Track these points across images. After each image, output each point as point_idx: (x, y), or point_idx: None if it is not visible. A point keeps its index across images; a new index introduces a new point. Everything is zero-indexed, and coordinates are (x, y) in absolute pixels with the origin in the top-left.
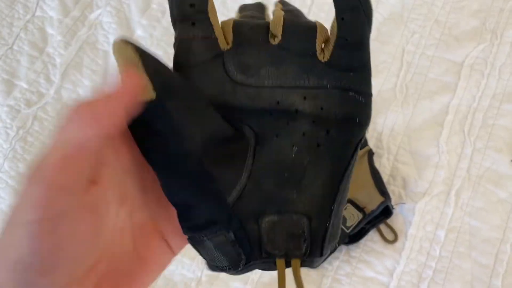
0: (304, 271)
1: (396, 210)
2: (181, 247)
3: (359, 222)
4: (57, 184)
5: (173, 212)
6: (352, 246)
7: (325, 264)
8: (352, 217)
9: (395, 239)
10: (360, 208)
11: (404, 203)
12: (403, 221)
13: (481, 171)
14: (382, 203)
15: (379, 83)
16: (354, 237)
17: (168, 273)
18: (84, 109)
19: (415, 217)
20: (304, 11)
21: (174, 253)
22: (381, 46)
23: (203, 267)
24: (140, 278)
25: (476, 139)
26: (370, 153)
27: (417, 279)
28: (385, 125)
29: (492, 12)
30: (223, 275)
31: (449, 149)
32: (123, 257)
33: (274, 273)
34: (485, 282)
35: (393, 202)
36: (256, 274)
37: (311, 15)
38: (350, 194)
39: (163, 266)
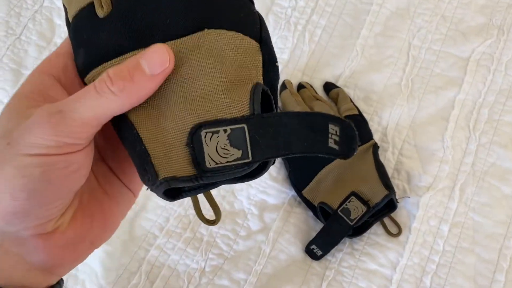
0: (307, 263)
1: (400, 204)
2: (138, 190)
3: (363, 215)
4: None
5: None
6: (355, 239)
7: (328, 256)
8: (356, 210)
9: (399, 232)
10: (364, 201)
11: (408, 197)
12: (407, 215)
13: (485, 167)
14: (386, 196)
15: (385, 77)
16: (358, 230)
17: (171, 263)
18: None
19: (419, 211)
20: (311, 5)
21: (134, 195)
22: (387, 41)
23: (206, 257)
24: (111, 213)
25: (481, 134)
26: (375, 147)
27: (420, 273)
28: (391, 119)
29: (499, 8)
30: (226, 265)
31: (454, 144)
32: (92, 193)
33: (278, 265)
34: (488, 277)
35: (397, 196)
36: (260, 265)
37: (318, 9)
38: (354, 187)
39: (128, 204)
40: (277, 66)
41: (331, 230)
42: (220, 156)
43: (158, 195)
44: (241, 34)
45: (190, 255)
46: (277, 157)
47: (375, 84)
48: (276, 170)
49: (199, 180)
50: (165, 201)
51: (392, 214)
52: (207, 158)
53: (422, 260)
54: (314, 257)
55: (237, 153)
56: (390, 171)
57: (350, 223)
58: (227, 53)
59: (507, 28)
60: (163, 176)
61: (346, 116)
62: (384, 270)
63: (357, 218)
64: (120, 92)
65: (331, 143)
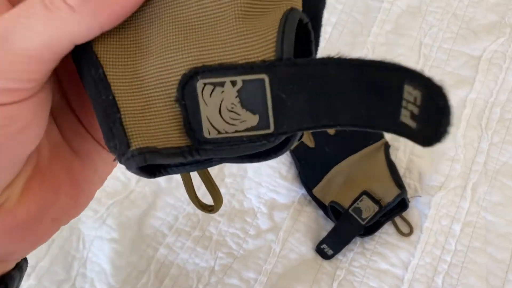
0: (318, 263)
1: (412, 203)
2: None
3: (375, 215)
4: None
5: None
6: (366, 238)
7: (339, 256)
8: (368, 209)
9: (410, 232)
10: (376, 201)
11: (420, 196)
12: (418, 215)
13: (498, 166)
14: (398, 195)
15: None
16: (369, 229)
17: (180, 262)
18: None
19: (430, 210)
20: None
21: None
22: (398, 39)
23: (216, 256)
24: (83, 179)
25: (493, 133)
26: (387, 146)
27: (432, 273)
28: None
29: (511, 6)
30: (236, 264)
31: (466, 143)
32: (56, 152)
33: (288, 265)
34: (500, 277)
35: (408, 195)
36: (270, 264)
37: (328, 6)
38: (366, 186)
39: (106, 167)
40: None
41: (342, 229)
42: (225, 122)
43: (129, 170)
44: None
45: (199, 254)
46: (314, 129)
47: None
48: (286, 169)
49: (192, 155)
50: (174, 199)
51: (404, 214)
52: (205, 124)
53: (434, 259)
54: (325, 256)
55: (252, 119)
56: (401, 170)
57: (361, 222)
58: None
59: None
60: (137, 146)
61: None
62: (395, 269)
63: (369, 218)
64: (82, 5)
65: (405, 117)
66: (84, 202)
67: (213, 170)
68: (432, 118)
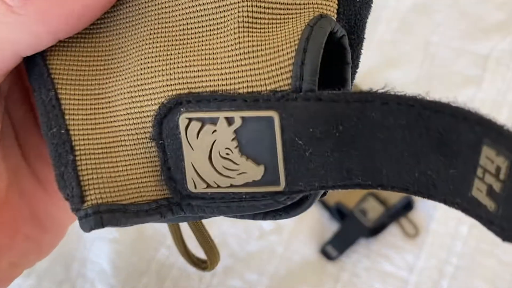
0: (322, 264)
1: (418, 204)
2: None
3: (381, 216)
4: None
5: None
6: (371, 240)
7: (343, 258)
8: (373, 210)
9: (416, 233)
10: (381, 201)
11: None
12: (424, 216)
13: None
14: (404, 196)
15: (402, 75)
16: (374, 230)
17: (182, 263)
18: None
19: (437, 212)
20: None
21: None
22: (404, 37)
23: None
24: (47, 214)
25: None
26: None
27: (438, 275)
28: None
29: None
30: (239, 266)
31: None
32: (17, 183)
33: (292, 266)
34: (508, 280)
35: (414, 196)
36: (272, 266)
37: None
38: None
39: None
40: None
41: (347, 231)
42: (218, 172)
43: (82, 228)
44: None
45: (200, 256)
46: (343, 188)
47: (392, 81)
48: None
49: (173, 212)
50: None
51: (409, 215)
52: (190, 173)
53: (440, 262)
54: (329, 257)
55: (254, 171)
56: None
57: (367, 224)
58: None
59: None
60: (94, 202)
61: None
62: (400, 272)
63: (374, 219)
64: (25, 5)
65: (479, 191)
66: (51, 243)
67: None
68: None
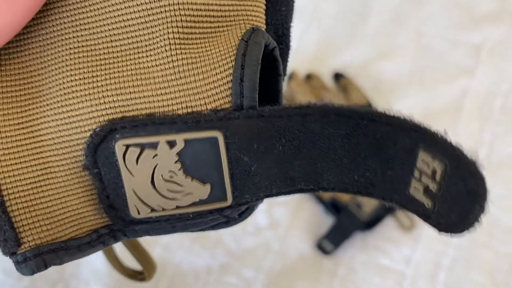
0: (318, 259)
1: None
2: None
3: (376, 209)
4: None
5: None
6: (367, 233)
7: (339, 252)
8: (368, 203)
9: (412, 226)
10: None
11: None
12: None
13: (501, 157)
14: None
15: (395, 67)
16: (370, 224)
17: (177, 261)
18: None
19: None
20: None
21: None
22: (398, 29)
23: (213, 255)
24: None
25: (495, 124)
26: None
27: (434, 268)
28: (401, 110)
29: None
30: (235, 262)
31: (468, 135)
32: None
33: (288, 262)
34: (506, 271)
35: None
36: (269, 262)
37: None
38: None
39: None
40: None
41: (343, 224)
42: (162, 196)
43: (23, 274)
44: None
45: (196, 253)
46: (287, 194)
47: (385, 73)
48: None
49: (116, 238)
50: None
51: None
52: (132, 200)
53: (437, 254)
54: (325, 252)
55: (201, 191)
56: None
57: (362, 217)
58: None
59: None
60: (32, 245)
61: None
62: (397, 265)
63: (370, 212)
64: None
65: (416, 190)
66: None
67: None
68: (458, 202)
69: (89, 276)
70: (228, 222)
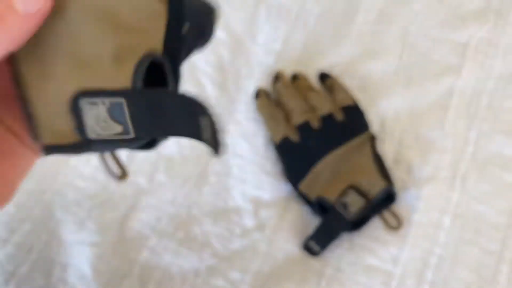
0: (305, 260)
1: (400, 196)
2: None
3: (362, 209)
4: None
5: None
6: (354, 233)
7: (327, 252)
8: (354, 203)
9: (399, 225)
10: (363, 194)
11: (408, 189)
12: (407, 207)
13: (487, 155)
14: (385, 188)
15: (381, 66)
16: (357, 223)
17: (164, 264)
18: None
19: (419, 203)
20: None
21: (34, 152)
22: (384, 28)
23: (201, 257)
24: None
25: (482, 122)
26: (373, 138)
27: (422, 266)
28: (388, 109)
29: None
30: (222, 265)
31: (454, 133)
32: None
33: (275, 263)
34: (492, 268)
35: (396, 188)
36: (256, 264)
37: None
38: (352, 180)
39: (25, 163)
40: (183, 35)
41: (329, 225)
42: (101, 128)
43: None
44: None
45: (183, 256)
46: (165, 136)
47: (371, 72)
48: (270, 165)
49: (84, 149)
50: (156, 199)
51: (392, 207)
52: (89, 129)
53: (424, 253)
54: (312, 253)
55: (118, 128)
56: (389, 162)
57: (348, 217)
58: (123, 13)
59: (505, 12)
60: (46, 142)
61: (342, 107)
62: (384, 264)
63: (356, 212)
64: None
65: (206, 134)
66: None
67: (197, 169)
68: (214, 137)
69: (75, 281)
70: (146, 146)
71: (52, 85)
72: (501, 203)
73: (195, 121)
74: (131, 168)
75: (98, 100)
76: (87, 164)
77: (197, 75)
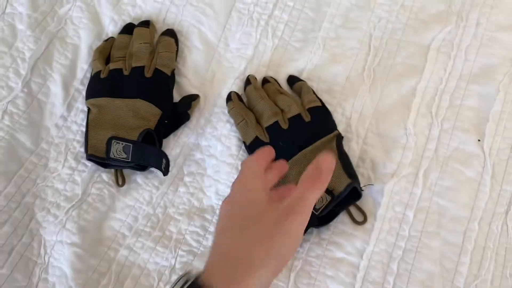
0: None
1: (366, 192)
2: None
3: (328, 205)
4: None
5: None
6: (322, 229)
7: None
8: (320, 199)
9: (364, 220)
10: (328, 191)
11: (372, 185)
12: (372, 203)
13: (448, 151)
14: (349, 185)
15: (347, 69)
16: (324, 219)
17: (141, 262)
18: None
19: (384, 198)
20: (273, 0)
21: None
22: (348, 33)
23: (176, 255)
24: None
25: (443, 120)
26: (339, 137)
27: (387, 259)
28: (354, 110)
29: None
30: (197, 261)
31: (417, 131)
32: None
33: None
34: (454, 260)
35: (362, 184)
36: None
37: (280, 3)
38: None
39: None
40: (166, 123)
41: None
42: (117, 154)
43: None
44: (149, 103)
45: (159, 253)
46: (147, 164)
47: (337, 75)
48: None
49: (106, 161)
50: (133, 200)
51: (358, 203)
52: (112, 152)
53: (389, 246)
54: None
55: (124, 156)
56: (355, 160)
57: (315, 213)
58: (142, 111)
59: (466, 15)
60: (89, 152)
61: (309, 108)
62: (351, 258)
63: (322, 208)
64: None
65: (164, 167)
66: None
67: (172, 170)
68: (167, 169)
69: (55, 280)
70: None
71: (101, 132)
72: (462, 198)
73: (160, 160)
74: (107, 169)
75: (120, 142)
76: (65, 167)
77: (178, 79)
